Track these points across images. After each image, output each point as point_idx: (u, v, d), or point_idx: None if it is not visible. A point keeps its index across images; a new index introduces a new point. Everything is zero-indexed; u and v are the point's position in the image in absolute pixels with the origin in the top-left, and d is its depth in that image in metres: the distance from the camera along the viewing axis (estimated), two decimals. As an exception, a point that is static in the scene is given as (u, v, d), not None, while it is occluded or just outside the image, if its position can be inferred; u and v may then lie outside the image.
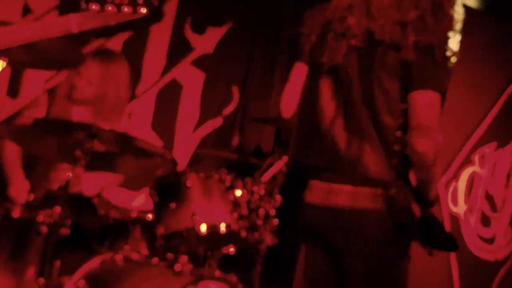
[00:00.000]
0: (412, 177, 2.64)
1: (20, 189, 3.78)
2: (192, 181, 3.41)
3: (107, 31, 4.83)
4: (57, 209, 3.03)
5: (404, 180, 2.62)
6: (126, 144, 3.27)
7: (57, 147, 3.24)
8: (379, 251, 2.61)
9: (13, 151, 3.94)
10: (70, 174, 3.03)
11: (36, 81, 4.62)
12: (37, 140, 3.19)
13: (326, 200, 2.64)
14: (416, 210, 2.59)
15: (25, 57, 2.69)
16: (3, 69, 2.46)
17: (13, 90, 4.69)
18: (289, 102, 2.85)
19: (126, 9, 2.20)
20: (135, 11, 2.22)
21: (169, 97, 5.48)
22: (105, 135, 3.11)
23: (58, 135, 3.13)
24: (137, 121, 5.12)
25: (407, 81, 2.57)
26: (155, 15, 5.18)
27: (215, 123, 5.71)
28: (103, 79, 4.05)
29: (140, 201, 4.79)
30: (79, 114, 4.08)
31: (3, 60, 2.54)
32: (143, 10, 2.23)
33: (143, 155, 3.35)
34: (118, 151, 3.31)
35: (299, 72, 2.85)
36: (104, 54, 4.15)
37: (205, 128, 5.66)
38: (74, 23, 2.23)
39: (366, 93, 2.62)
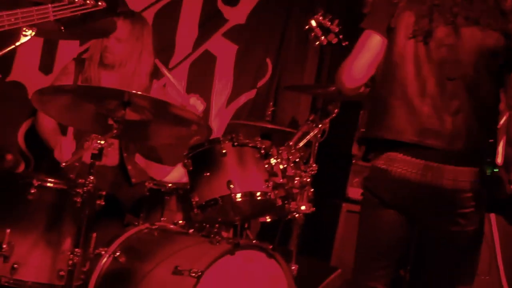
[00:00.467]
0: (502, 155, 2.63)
1: (65, 150, 3.76)
2: (227, 149, 3.38)
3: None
4: (91, 179, 2.99)
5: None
6: (160, 111, 3.19)
7: (89, 115, 3.19)
8: (474, 229, 2.64)
9: (49, 120, 3.97)
10: (103, 143, 2.98)
11: (70, 56, 4.58)
12: (68, 109, 3.14)
13: (425, 177, 2.59)
14: (509, 188, 2.57)
15: (55, 27, 2.69)
16: (32, 38, 2.53)
17: (46, 66, 4.69)
18: (358, 72, 2.71)
19: (88, 1, 2.52)
20: (96, 4, 2.53)
21: (202, 69, 5.43)
22: (139, 101, 3.05)
23: (89, 103, 3.08)
24: (170, 94, 5.04)
25: (507, 64, 2.63)
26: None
27: (249, 96, 5.64)
28: (130, 37, 4.03)
29: (175, 175, 4.80)
30: (108, 80, 4.05)
31: (32, 30, 2.54)
32: (102, 3, 2.54)
33: (178, 122, 3.27)
34: (152, 119, 3.24)
35: (372, 41, 2.72)
36: (130, 14, 4.12)
37: (238, 102, 5.61)
38: (51, 12, 2.49)
39: (469, 73, 2.61)
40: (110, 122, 3.03)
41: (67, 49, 4.69)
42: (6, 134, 4.25)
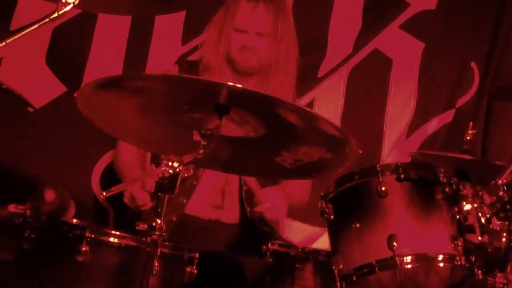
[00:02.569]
0: None
1: (138, 193, 3.75)
2: (388, 185, 3.26)
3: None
4: (158, 223, 2.72)
5: None
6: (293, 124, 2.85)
7: (164, 129, 3.00)
8: None
9: (129, 152, 4.08)
10: (176, 166, 2.70)
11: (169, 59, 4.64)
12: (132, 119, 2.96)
13: None
14: None
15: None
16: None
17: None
18: None
19: None
20: None
21: (370, 78, 5.35)
22: (247, 104, 2.76)
23: (168, 108, 2.86)
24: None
25: None
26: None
27: (444, 119, 5.48)
28: (275, 30, 4.08)
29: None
30: None
31: None
32: None
33: (318, 143, 2.95)
34: (268, 136, 2.93)
35: None
36: None
37: (427, 129, 5.48)
38: None
39: None
40: (196, 137, 2.79)
41: (164, 49, 4.83)
42: (65, 172, 4.25)
